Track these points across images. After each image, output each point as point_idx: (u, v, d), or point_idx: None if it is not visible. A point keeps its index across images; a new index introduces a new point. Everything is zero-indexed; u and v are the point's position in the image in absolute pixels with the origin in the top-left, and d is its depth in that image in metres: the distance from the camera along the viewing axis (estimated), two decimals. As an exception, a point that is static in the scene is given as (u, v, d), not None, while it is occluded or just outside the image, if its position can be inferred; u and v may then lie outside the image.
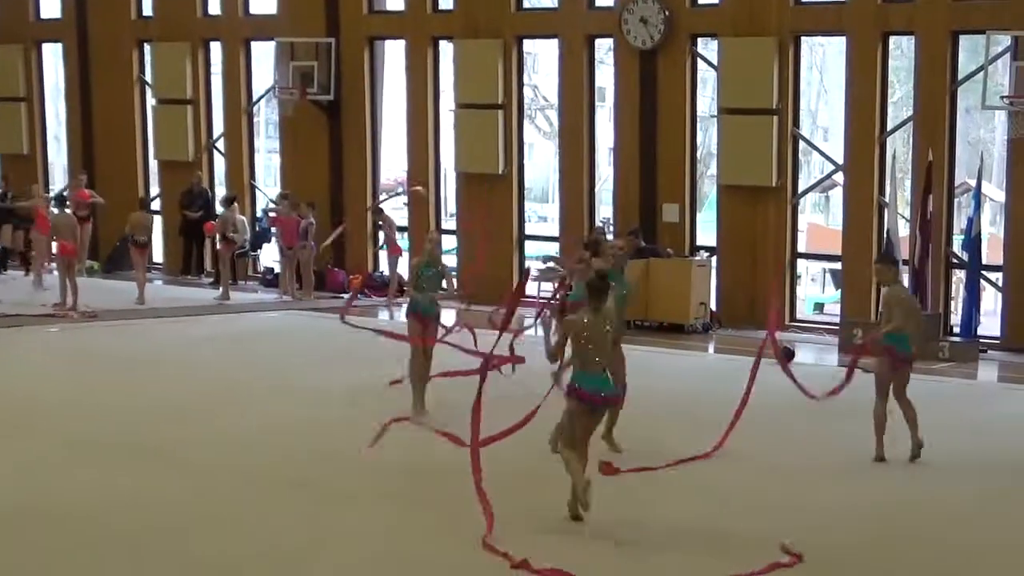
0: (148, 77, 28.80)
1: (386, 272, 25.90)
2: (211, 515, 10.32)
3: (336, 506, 10.62)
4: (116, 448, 12.50)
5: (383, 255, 25.73)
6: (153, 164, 29.18)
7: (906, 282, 19.89)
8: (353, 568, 9.13)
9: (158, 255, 28.74)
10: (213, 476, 11.50)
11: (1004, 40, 19.80)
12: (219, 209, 25.62)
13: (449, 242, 25.40)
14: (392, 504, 10.66)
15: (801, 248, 23.49)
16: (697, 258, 22.12)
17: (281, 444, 12.74)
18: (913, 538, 10.10)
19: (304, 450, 12.53)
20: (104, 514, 10.28)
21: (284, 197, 24.96)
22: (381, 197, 25.83)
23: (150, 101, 28.84)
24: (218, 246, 25.11)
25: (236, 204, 24.97)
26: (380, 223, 24.63)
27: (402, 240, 25.89)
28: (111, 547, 9.44)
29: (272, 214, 25.38)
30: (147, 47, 28.77)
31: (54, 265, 23.56)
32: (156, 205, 28.95)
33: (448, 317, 16.36)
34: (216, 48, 28.02)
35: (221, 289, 24.24)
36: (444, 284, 14.78)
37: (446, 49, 25.17)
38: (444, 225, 25.93)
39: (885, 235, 20.33)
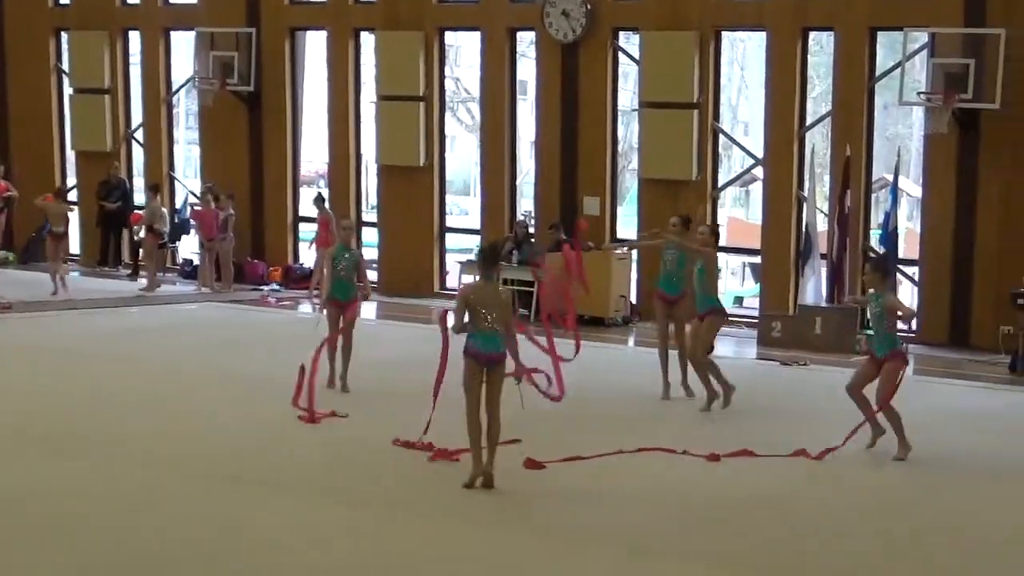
0: (65, 66, 28.47)
1: (306, 264, 25.82)
2: (130, 505, 10.21)
3: (262, 496, 10.55)
4: (29, 439, 12.32)
5: (304, 247, 25.60)
6: (71, 154, 28.85)
7: (823, 276, 20.12)
8: (270, 557, 9.06)
9: (75, 246, 28.44)
10: (132, 467, 11.37)
11: (921, 37, 20.01)
12: (141, 199, 25.37)
13: (371, 235, 25.37)
14: (323, 495, 10.61)
15: (721, 242, 23.59)
16: (618, 251, 22.18)
17: (199, 434, 12.64)
18: (833, 531, 10.16)
19: (225, 440, 12.44)
20: (19, 504, 10.14)
21: (209, 190, 24.79)
22: (320, 184, 25.49)
23: (67, 90, 28.52)
24: (142, 236, 24.91)
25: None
26: (320, 212, 24.13)
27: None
28: (29, 536, 9.32)
29: (197, 207, 25.14)
30: (64, 35, 28.41)
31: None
32: (73, 196, 28.64)
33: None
34: (135, 37, 27.74)
35: (147, 281, 24.04)
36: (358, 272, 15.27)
37: (367, 40, 25.09)
38: (365, 217, 25.84)
39: (803, 229, 20.49)
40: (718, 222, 14.04)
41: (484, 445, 10.86)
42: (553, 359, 12.60)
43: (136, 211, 25.61)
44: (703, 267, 14.68)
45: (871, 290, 13.18)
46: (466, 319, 10.78)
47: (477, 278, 11.10)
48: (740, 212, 34.65)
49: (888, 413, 12.65)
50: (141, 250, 24.55)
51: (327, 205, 23.81)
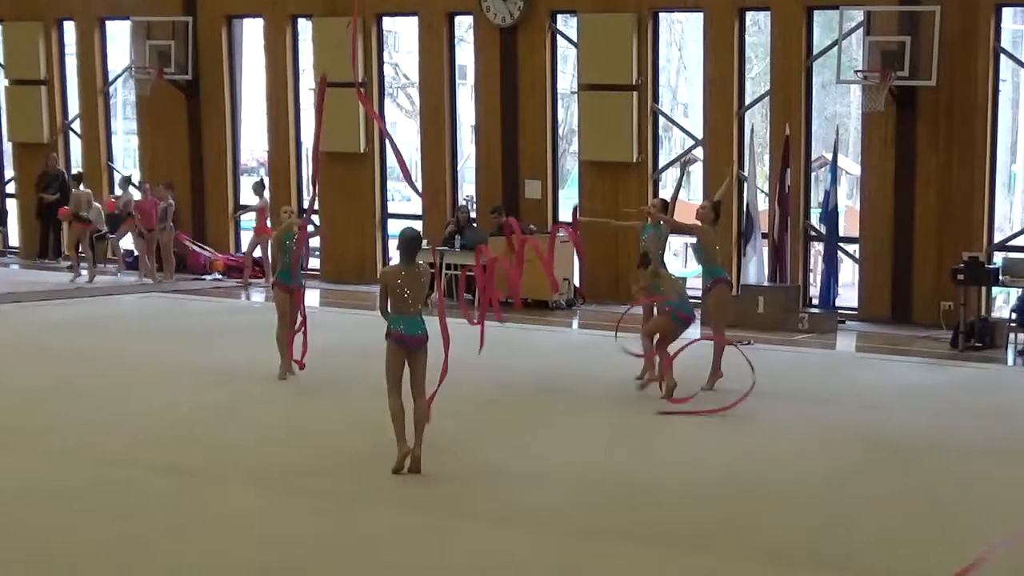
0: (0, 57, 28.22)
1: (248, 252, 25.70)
2: (71, 498, 10.13)
3: (202, 489, 10.50)
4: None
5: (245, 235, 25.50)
6: (7, 146, 28.60)
7: (765, 255, 20.22)
8: (211, 551, 9.02)
9: (14, 239, 28.26)
10: (74, 460, 11.29)
11: (857, 15, 20.10)
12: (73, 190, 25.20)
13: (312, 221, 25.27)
14: (262, 488, 10.57)
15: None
16: (560, 234, 22.16)
17: (145, 427, 12.56)
18: (771, 508, 10.21)
19: (171, 433, 12.36)
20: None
21: (127, 180, 24.72)
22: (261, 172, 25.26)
23: (2, 82, 28.25)
24: (70, 226, 24.75)
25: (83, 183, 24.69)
26: (259, 200, 24.00)
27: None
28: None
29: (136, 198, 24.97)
30: (-2, 26, 28.18)
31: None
32: (11, 188, 28.43)
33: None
34: (70, 27, 27.51)
35: (86, 272, 23.87)
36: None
37: (305, 27, 24.97)
38: (306, 205, 25.71)
39: (744, 209, 20.58)
40: (717, 199, 14.56)
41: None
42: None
43: (63, 206, 25.38)
44: (699, 242, 14.96)
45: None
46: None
47: (398, 262, 11.28)
48: (681, 193, 34.68)
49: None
50: (79, 241, 24.31)
51: (266, 193, 23.75)
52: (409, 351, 10.92)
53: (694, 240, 15.07)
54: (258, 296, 23.13)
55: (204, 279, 24.65)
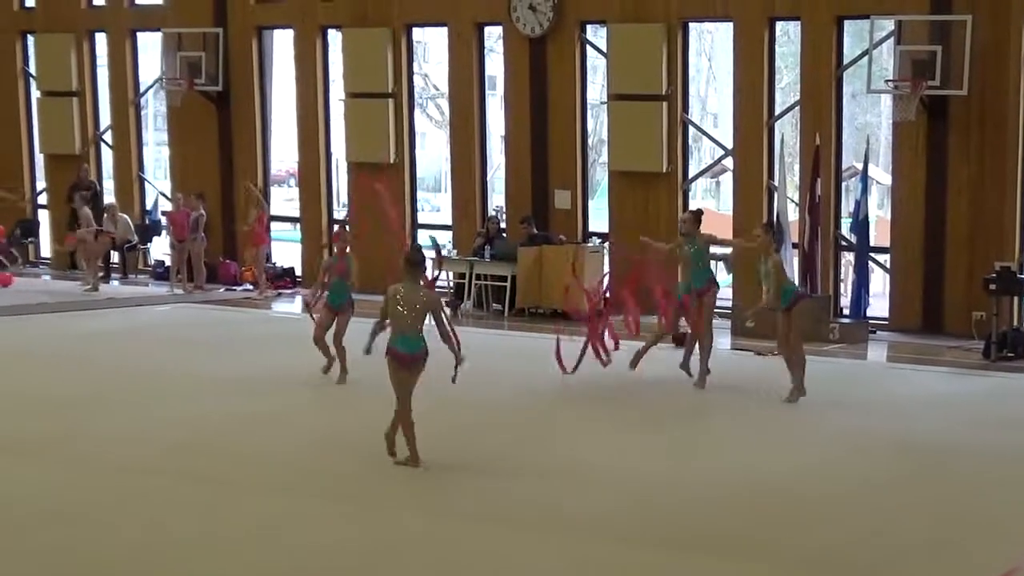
0: (32, 69, 28.35)
1: (277, 263, 25.79)
2: (96, 506, 10.15)
3: (229, 497, 10.50)
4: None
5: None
6: (39, 157, 28.72)
7: (795, 265, 20.16)
8: (244, 559, 9.03)
9: (46, 249, 28.39)
10: (102, 468, 11.31)
11: (888, 25, 20.04)
12: (111, 201, 25.38)
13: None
14: (289, 495, 10.58)
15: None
16: (589, 244, 22.18)
17: (173, 435, 12.58)
18: (803, 516, 10.17)
19: (199, 441, 12.38)
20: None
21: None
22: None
23: (35, 93, 28.39)
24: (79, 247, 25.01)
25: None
26: (258, 209, 24.07)
27: (294, 231, 25.88)
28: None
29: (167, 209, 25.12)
30: (30, 38, 28.30)
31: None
32: (43, 199, 28.57)
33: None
34: (101, 39, 27.63)
35: (90, 280, 24.07)
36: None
37: (335, 38, 25.03)
38: (336, 215, 25.78)
39: (775, 218, 20.51)
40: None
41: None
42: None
43: (71, 235, 25.53)
44: (771, 267, 14.73)
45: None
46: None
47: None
48: (711, 203, 34.68)
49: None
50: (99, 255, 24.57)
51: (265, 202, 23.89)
52: (407, 368, 11.10)
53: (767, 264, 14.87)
54: (287, 306, 23.20)
55: (235, 290, 24.71)
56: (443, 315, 11.30)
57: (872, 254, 20.83)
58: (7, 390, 14.68)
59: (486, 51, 24.27)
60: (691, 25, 22.47)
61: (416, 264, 11.26)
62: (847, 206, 21.71)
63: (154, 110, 36.08)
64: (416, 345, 11.09)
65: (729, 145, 22.10)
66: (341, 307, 15.44)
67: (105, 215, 25.68)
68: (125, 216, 26.21)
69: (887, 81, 20.12)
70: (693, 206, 20.73)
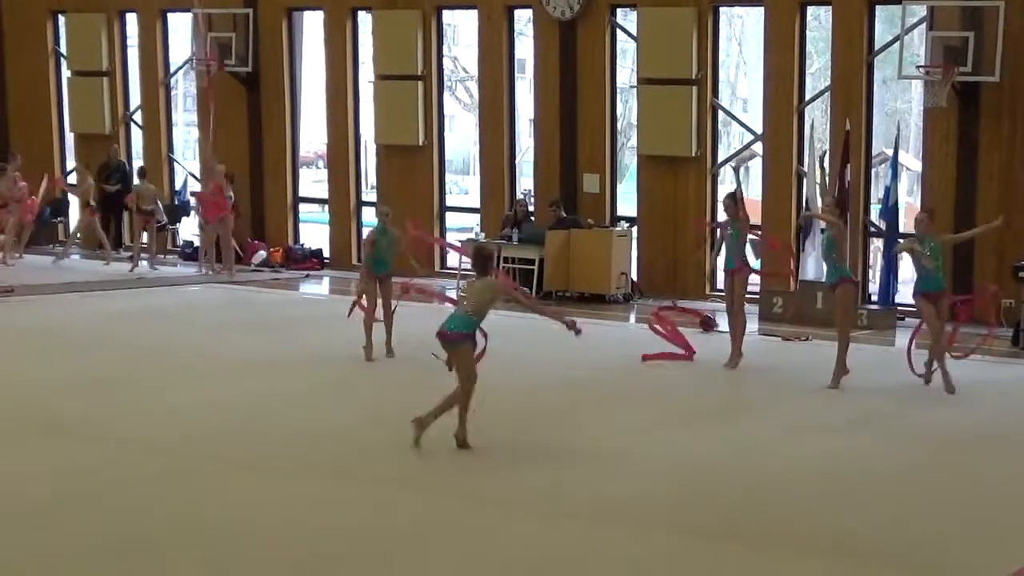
0: (63, 49, 28.43)
1: (306, 244, 25.84)
2: (126, 486, 10.19)
3: (252, 477, 10.54)
4: (20, 423, 12.27)
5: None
6: (69, 137, 28.82)
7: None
8: (271, 541, 9.06)
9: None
10: (129, 449, 11.35)
11: (919, 10, 19.96)
12: (136, 182, 25.39)
13: (370, 215, 25.36)
14: (314, 476, 10.61)
15: (720, 218, 23.54)
16: (618, 228, 22.18)
17: (200, 417, 12.63)
18: (831, 503, 10.16)
19: (226, 423, 12.42)
20: (10, 486, 10.13)
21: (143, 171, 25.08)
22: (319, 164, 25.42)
23: (65, 73, 28.48)
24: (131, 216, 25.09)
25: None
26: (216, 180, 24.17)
27: (322, 213, 25.94)
28: (22, 519, 9.30)
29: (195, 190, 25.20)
30: (61, 18, 28.37)
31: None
32: (72, 179, 28.65)
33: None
34: (132, 19, 27.70)
35: (146, 261, 24.18)
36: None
37: (365, 20, 25.04)
38: (364, 197, 25.81)
39: (803, 205, 20.46)
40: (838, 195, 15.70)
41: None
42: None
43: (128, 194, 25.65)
44: (831, 237, 15.09)
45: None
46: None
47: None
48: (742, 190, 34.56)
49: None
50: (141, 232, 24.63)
51: (220, 167, 23.92)
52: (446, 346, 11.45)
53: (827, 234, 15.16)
54: (315, 287, 23.26)
55: (263, 271, 24.77)
56: (519, 295, 11.99)
57: (901, 240, 20.73)
58: (39, 371, 14.76)
59: (516, 34, 24.24)
60: (721, 10, 22.41)
61: (482, 262, 11.62)
62: (876, 192, 21.64)
63: (184, 90, 36.12)
64: (452, 323, 11.35)
65: (759, 130, 22.04)
66: (384, 276, 15.79)
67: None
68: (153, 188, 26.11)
69: (918, 67, 20.04)
70: (722, 192, 20.71)
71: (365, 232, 25.16)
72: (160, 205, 25.61)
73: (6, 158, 25.87)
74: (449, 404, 11.34)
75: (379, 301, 15.75)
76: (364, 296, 15.88)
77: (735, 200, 15.98)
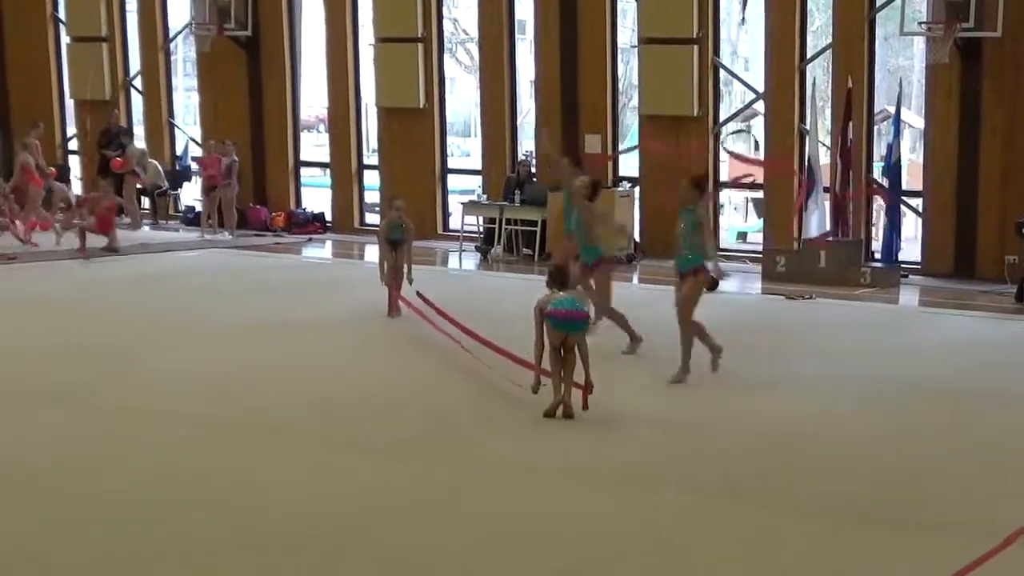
0: (62, 15, 28.34)
1: (308, 208, 25.83)
2: (128, 453, 10.15)
3: (260, 442, 10.52)
4: (11, 392, 12.25)
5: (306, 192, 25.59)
6: (69, 103, 28.76)
7: (827, 209, 20.07)
8: (282, 505, 9.06)
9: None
10: (132, 416, 11.32)
11: (921, -34, 19.89)
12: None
13: (372, 178, 25.35)
14: (319, 443, 10.60)
15: (723, 177, 23.55)
16: (620, 189, 22.13)
17: (205, 382, 12.61)
18: (833, 463, 10.15)
19: (229, 387, 12.40)
20: (18, 453, 10.12)
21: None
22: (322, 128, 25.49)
23: (64, 39, 28.40)
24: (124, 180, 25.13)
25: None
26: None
27: (324, 177, 25.91)
28: (26, 485, 9.30)
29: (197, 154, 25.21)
30: (60, -16, 28.32)
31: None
32: (73, 145, 28.64)
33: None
34: (130, -16, 27.63)
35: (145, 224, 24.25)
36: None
37: (364, -18, 24.96)
38: (366, 160, 25.77)
39: (806, 162, 20.41)
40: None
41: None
42: None
43: (117, 158, 25.60)
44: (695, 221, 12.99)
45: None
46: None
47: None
48: (741, 147, 34.48)
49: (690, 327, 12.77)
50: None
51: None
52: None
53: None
54: (318, 251, 23.24)
55: (265, 235, 24.76)
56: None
57: (904, 198, 20.72)
58: (44, 338, 14.71)
59: (516, -5, 24.16)
60: (722, -32, 22.33)
61: (558, 279, 11.46)
62: (879, 150, 21.60)
63: (183, 55, 36.01)
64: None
65: (760, 89, 21.97)
66: (399, 241, 15.94)
67: None
68: (155, 162, 26.22)
69: (920, 23, 19.97)
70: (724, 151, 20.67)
71: (367, 197, 25.33)
72: (161, 170, 25.58)
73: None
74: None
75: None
76: (384, 264, 16.02)
77: (698, 186, 12.81)
